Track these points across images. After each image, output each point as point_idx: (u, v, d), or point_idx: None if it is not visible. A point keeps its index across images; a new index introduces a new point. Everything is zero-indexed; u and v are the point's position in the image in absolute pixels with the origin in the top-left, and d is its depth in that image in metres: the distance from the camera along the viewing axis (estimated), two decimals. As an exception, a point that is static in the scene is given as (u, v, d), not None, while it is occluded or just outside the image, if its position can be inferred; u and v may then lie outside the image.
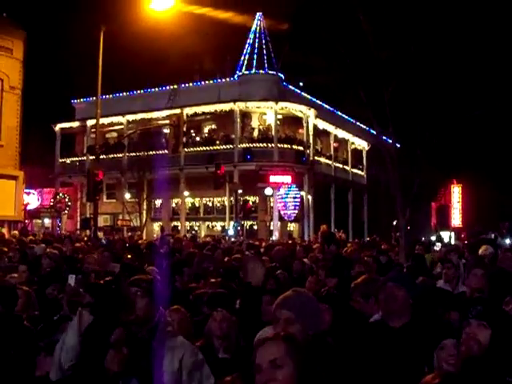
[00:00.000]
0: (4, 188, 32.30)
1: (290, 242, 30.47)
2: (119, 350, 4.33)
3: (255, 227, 54.43)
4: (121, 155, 53.58)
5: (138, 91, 59.30)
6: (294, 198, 50.26)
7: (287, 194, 50.17)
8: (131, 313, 5.03)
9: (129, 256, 15.12)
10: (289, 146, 51.69)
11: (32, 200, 55.42)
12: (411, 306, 5.59)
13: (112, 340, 4.38)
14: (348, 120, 62.88)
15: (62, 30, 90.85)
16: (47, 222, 57.01)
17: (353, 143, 65.76)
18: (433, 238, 53.88)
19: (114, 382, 4.26)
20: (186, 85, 56.76)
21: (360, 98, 22.61)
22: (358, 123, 62.90)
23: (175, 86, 56.52)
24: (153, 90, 58.28)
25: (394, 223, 50.88)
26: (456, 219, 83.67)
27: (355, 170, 65.80)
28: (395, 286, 5.63)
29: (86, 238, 30.70)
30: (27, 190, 47.58)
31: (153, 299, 5.28)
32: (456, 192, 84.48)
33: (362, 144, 66.84)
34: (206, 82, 56.44)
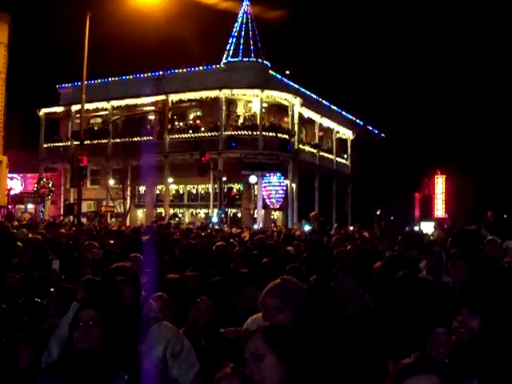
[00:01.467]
0: (-13, 172, 32.17)
1: (274, 229, 30.54)
2: (88, 328, 4.32)
3: (239, 215, 54.45)
4: (105, 141, 53.33)
5: (124, 77, 58.99)
6: (279, 186, 50.30)
7: (271, 182, 50.21)
8: (117, 301, 5.02)
9: (111, 242, 15.12)
10: (274, 134, 51.63)
11: (15, 185, 55.23)
12: (362, 295, 5.89)
13: (82, 318, 4.38)
14: (333, 109, 62.96)
15: (47, 15, 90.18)
16: (30, 207, 56.74)
17: (337, 132, 65.77)
18: (416, 229, 54.07)
19: (104, 375, 4.25)
20: (172, 71, 56.55)
21: (348, 88, 22.67)
22: (343, 112, 63.06)
23: (161, 72, 56.32)
24: (138, 75, 58.00)
25: (378, 213, 51.12)
26: (439, 210, 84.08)
27: (340, 160, 65.81)
28: (346, 275, 5.87)
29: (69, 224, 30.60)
30: (10, 175, 47.40)
31: (138, 287, 5.27)
32: (440, 183, 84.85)
33: (346, 133, 66.86)
34: (192, 68, 56.22)
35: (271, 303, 4.67)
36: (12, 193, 51.10)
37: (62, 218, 45.65)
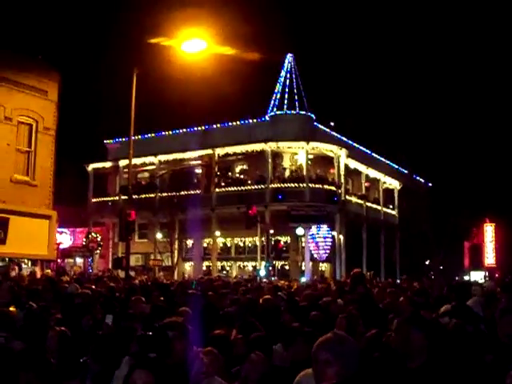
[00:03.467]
0: (37, 227, 32.50)
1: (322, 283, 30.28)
2: None
3: (287, 267, 54.25)
4: (153, 195, 53.78)
5: (170, 132, 59.73)
6: (326, 237, 50.10)
7: (319, 234, 50.04)
8: (169, 356, 5.01)
9: (161, 298, 15.11)
10: (320, 186, 51.58)
11: (65, 239, 55.77)
12: (428, 347, 5.68)
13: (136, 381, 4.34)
14: (379, 159, 62.80)
15: (95, 72, 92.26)
16: (79, 261, 57.24)
17: (384, 182, 65.53)
18: (466, 278, 53.33)
19: None
20: (217, 125, 57.10)
21: (393, 138, 22.64)
22: (389, 162, 62.83)
23: (207, 127, 56.88)
24: (184, 130, 58.68)
25: (427, 263, 50.54)
26: (489, 258, 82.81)
27: (387, 210, 65.46)
28: (411, 327, 5.78)
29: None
30: (60, 230, 47.91)
31: (188, 341, 5.25)
32: (489, 231, 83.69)
33: (393, 183, 66.58)
34: (238, 122, 56.72)
35: (322, 357, 4.63)
36: (61, 247, 51.55)
37: (109, 271, 45.95)
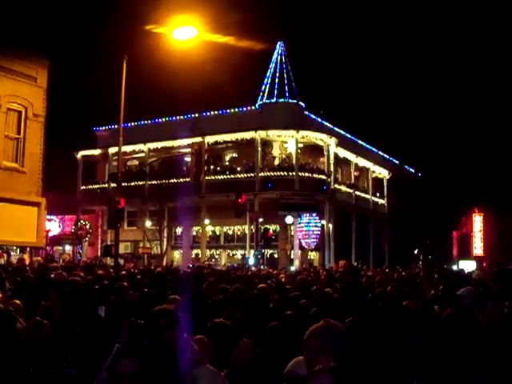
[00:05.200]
0: (26, 215, 32.40)
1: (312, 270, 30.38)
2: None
3: (276, 256, 54.32)
4: (142, 183, 53.73)
5: (160, 119, 59.62)
6: (315, 226, 50.15)
7: (308, 223, 50.09)
8: (161, 344, 5.00)
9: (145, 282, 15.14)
10: (309, 175, 51.61)
11: (53, 227, 55.68)
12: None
13: (122, 370, 4.26)
14: (369, 149, 62.88)
15: (85, 58, 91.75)
16: (68, 248, 57.14)
17: (373, 172, 65.64)
18: (454, 268, 53.48)
19: None
20: (208, 113, 57.01)
21: (383, 128, 22.65)
22: (378, 152, 62.94)
23: (197, 115, 56.79)
24: (174, 118, 58.59)
25: (415, 252, 50.70)
26: (477, 248, 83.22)
27: (376, 199, 65.57)
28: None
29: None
30: (49, 217, 47.75)
31: (179, 329, 5.24)
32: (477, 221, 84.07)
33: (382, 172, 66.71)
34: (227, 110, 56.66)
35: (314, 345, 4.64)
36: (50, 234, 51.48)
37: (99, 259, 45.89)
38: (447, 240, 77.42)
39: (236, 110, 56.41)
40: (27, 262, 26.76)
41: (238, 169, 53.45)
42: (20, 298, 10.55)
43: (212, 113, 57.08)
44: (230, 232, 57.19)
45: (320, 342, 4.61)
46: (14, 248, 34.43)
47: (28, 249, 33.90)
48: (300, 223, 50.31)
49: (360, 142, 63.42)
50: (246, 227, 52.11)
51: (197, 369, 5.13)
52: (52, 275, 17.13)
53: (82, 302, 10.61)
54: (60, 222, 58.90)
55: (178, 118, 58.38)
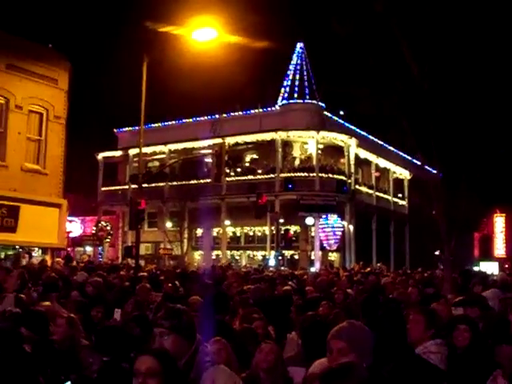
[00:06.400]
0: (48, 216, 32.50)
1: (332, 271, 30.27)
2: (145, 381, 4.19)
3: (296, 257, 54.23)
4: (163, 184, 53.83)
5: (181, 120, 59.68)
6: (336, 227, 50.05)
7: (328, 224, 49.99)
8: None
9: (169, 285, 15.15)
10: (330, 176, 51.50)
11: (74, 228, 55.90)
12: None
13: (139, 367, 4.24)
14: (389, 149, 62.58)
15: (105, 60, 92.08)
16: (89, 249, 57.40)
17: (394, 172, 65.44)
18: (475, 269, 53.16)
19: None
20: (228, 114, 57.04)
21: (403, 128, 22.46)
22: (399, 152, 62.60)
23: (217, 116, 56.86)
24: (195, 119, 58.69)
25: (437, 253, 50.34)
26: (499, 249, 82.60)
27: (397, 200, 65.35)
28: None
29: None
30: (70, 218, 47.97)
31: (183, 333, 5.14)
32: (499, 221, 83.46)
33: (403, 173, 66.48)
34: (248, 111, 56.67)
35: (336, 346, 4.62)
36: (71, 236, 51.74)
37: (120, 260, 46.04)
38: (468, 241, 76.92)
39: (256, 111, 56.37)
40: (49, 263, 26.94)
41: (259, 170, 53.44)
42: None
43: (232, 114, 57.09)
44: (251, 233, 57.19)
45: (343, 342, 4.58)
46: (36, 249, 34.59)
47: (49, 250, 34.02)
48: (321, 224, 50.24)
49: (380, 142, 63.17)
50: (267, 228, 52.04)
51: (210, 370, 5.10)
52: (74, 277, 17.26)
53: (103, 302, 10.65)
54: (81, 224, 59.13)
55: (198, 119, 58.48)
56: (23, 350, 6.18)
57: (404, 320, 6.67)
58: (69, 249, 46.35)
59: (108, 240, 55.74)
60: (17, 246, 32.53)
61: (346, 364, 3.99)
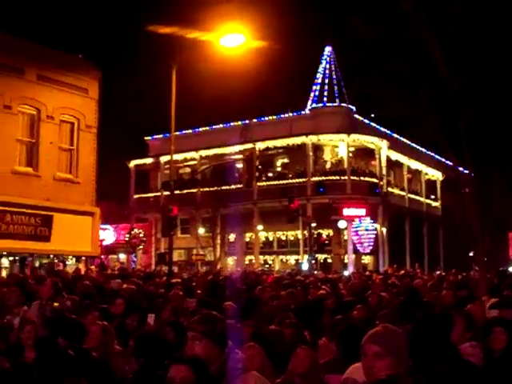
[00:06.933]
0: (81, 224, 32.73)
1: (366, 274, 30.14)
2: None
3: (329, 261, 54.06)
4: (194, 190, 53.98)
5: (211, 127, 59.85)
6: (369, 230, 49.87)
7: (361, 227, 49.81)
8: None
9: (198, 291, 15.16)
10: (362, 178, 51.35)
11: (108, 236, 56.24)
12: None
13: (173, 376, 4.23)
14: (421, 150, 62.20)
15: (135, 68, 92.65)
16: (122, 257, 57.71)
17: (426, 174, 65.05)
18: (511, 269, 52.59)
19: None
20: (258, 119, 57.08)
21: (435, 129, 22.29)
22: (431, 154, 62.18)
23: (247, 121, 56.92)
24: (225, 125, 58.83)
25: (471, 254, 49.89)
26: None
27: (429, 201, 64.94)
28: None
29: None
30: (103, 226, 48.26)
31: (215, 339, 5.13)
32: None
33: (435, 174, 66.05)
34: (278, 116, 56.67)
35: (371, 350, 4.57)
36: (104, 243, 52.03)
37: (154, 267, 46.23)
38: (503, 241, 76.09)
39: (286, 115, 56.32)
40: (82, 272, 27.08)
41: (290, 175, 53.42)
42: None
43: (262, 119, 57.13)
44: (283, 237, 57.13)
45: (378, 346, 4.54)
46: (70, 258, 34.83)
47: (83, 258, 34.25)
48: (354, 227, 50.09)
49: (412, 144, 62.80)
50: (299, 232, 51.96)
51: (241, 377, 5.08)
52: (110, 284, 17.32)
53: (138, 310, 10.68)
54: (114, 231, 59.47)
55: (228, 124, 58.64)
56: (69, 355, 6.20)
57: (448, 322, 6.58)
58: (102, 256, 46.58)
59: (141, 247, 56.01)
60: (51, 255, 32.75)
61: (393, 375, 3.97)
